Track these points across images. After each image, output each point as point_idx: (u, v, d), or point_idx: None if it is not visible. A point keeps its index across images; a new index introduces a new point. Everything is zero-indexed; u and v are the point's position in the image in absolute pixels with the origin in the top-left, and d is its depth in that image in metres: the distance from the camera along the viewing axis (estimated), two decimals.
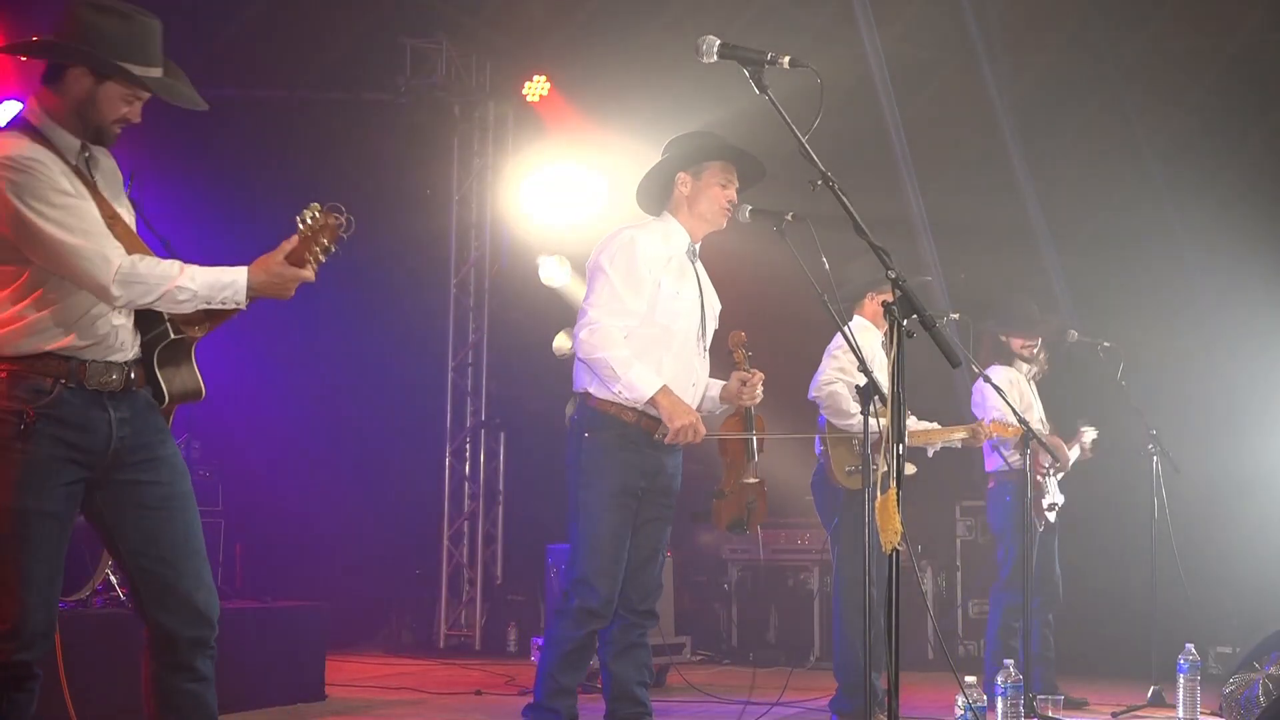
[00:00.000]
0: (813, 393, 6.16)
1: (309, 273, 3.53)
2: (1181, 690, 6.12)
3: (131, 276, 3.42)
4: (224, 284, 3.49)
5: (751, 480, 5.17)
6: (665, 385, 4.71)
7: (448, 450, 10.53)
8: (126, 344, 3.57)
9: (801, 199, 4.02)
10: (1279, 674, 5.98)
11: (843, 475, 6.14)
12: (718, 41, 3.43)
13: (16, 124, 3.56)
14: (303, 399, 9.65)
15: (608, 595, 4.76)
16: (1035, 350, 7.29)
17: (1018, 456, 6.69)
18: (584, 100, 10.02)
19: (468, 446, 10.63)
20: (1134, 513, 7.55)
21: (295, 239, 3.49)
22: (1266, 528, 8.50)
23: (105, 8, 3.55)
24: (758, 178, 5.08)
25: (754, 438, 5.19)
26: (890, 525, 3.20)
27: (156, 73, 3.62)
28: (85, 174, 3.55)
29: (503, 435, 10.64)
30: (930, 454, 6.58)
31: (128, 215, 3.67)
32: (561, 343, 8.34)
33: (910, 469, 5.96)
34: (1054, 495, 7.10)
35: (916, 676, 7.41)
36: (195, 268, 3.49)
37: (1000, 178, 9.70)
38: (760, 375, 4.96)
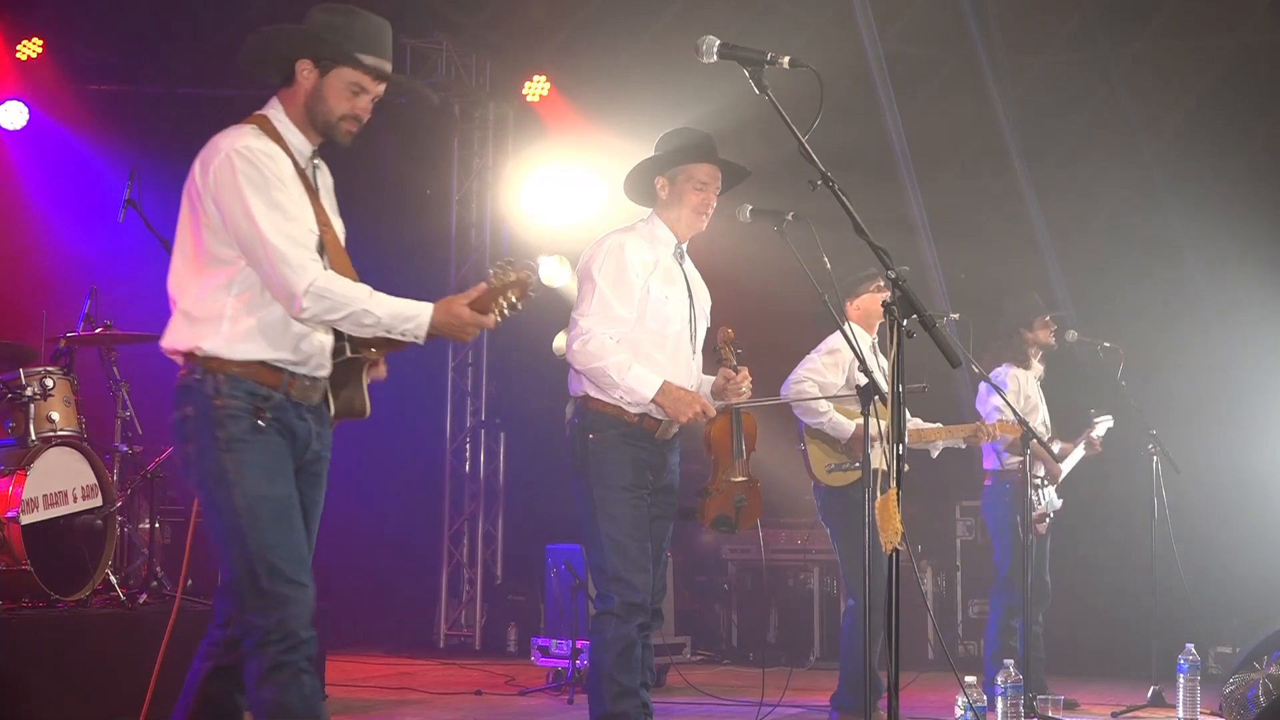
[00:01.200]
0: (784, 391, 6.17)
1: (490, 320, 3.54)
2: (1181, 690, 6.12)
3: (325, 292, 3.43)
4: (408, 316, 3.52)
5: (739, 479, 5.13)
6: (665, 382, 4.71)
7: (448, 450, 10.53)
8: (326, 362, 3.64)
9: (801, 199, 4.02)
10: (1279, 674, 5.98)
11: (822, 473, 6.15)
12: (717, 42, 3.42)
13: (255, 120, 3.60)
14: None
15: (645, 586, 4.71)
16: (1054, 330, 7.30)
17: (1015, 459, 6.76)
18: (584, 100, 10.02)
19: (468, 446, 10.63)
20: (1134, 513, 7.55)
21: (483, 287, 3.52)
22: (1266, 528, 8.49)
23: (333, 7, 3.62)
24: (743, 175, 5.06)
25: (742, 439, 5.16)
26: (890, 525, 3.19)
27: (385, 66, 3.63)
28: (310, 179, 3.61)
29: (503, 435, 10.64)
30: (934, 455, 6.60)
31: (340, 230, 3.71)
32: (561, 342, 8.29)
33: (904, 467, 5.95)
34: (1050, 503, 7.09)
35: (916, 676, 7.41)
36: (382, 295, 3.52)
37: (1000, 178, 9.70)
38: (745, 372, 4.94)
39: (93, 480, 6.20)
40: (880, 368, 5.82)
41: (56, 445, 6.09)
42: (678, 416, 4.71)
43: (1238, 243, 8.67)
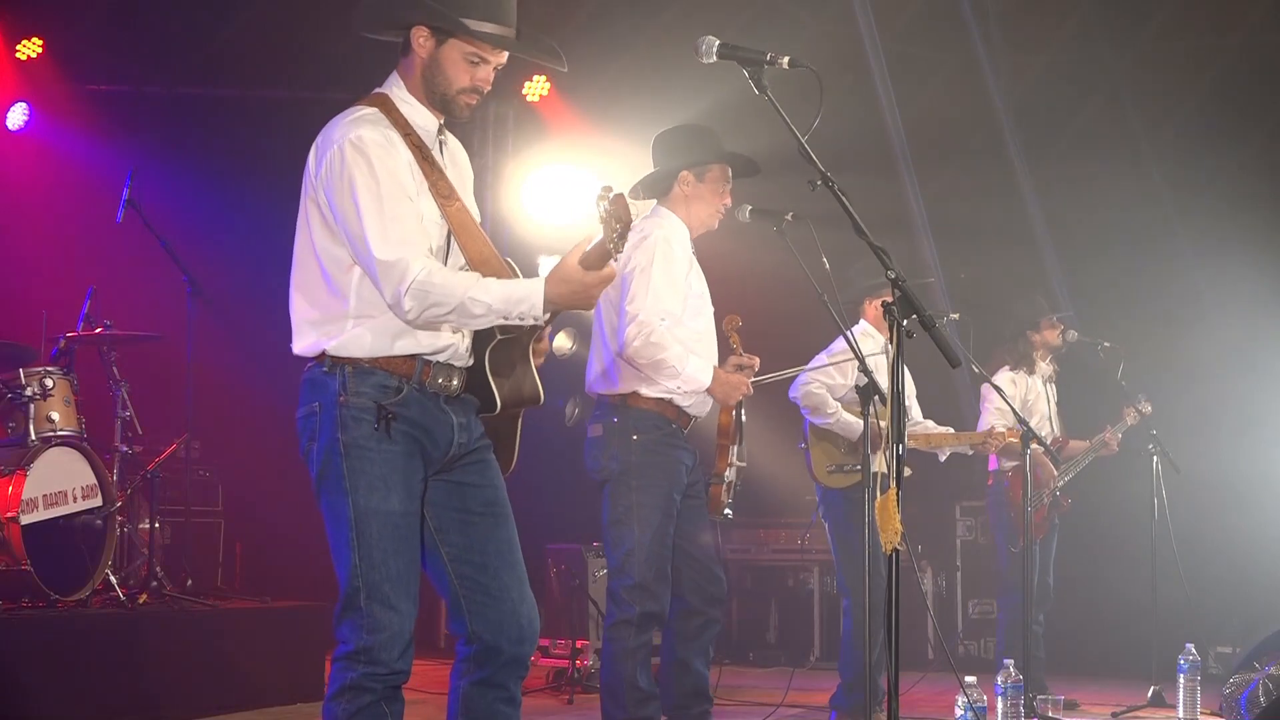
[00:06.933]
0: (793, 393, 6.20)
1: (611, 272, 3.15)
2: (1181, 690, 6.13)
3: (426, 286, 3.13)
4: (519, 298, 3.16)
5: (741, 463, 5.18)
6: (715, 368, 4.83)
7: None
8: (464, 353, 3.36)
9: (801, 199, 4.02)
10: (1279, 674, 5.98)
11: (823, 474, 6.15)
12: (717, 42, 3.42)
13: (373, 100, 3.35)
14: None
15: (666, 597, 4.76)
16: (1061, 330, 7.32)
17: (1010, 463, 6.83)
18: (584, 100, 10.01)
19: None
20: (1134, 513, 7.55)
21: (588, 240, 3.12)
22: (1266, 528, 8.49)
23: None
24: (750, 174, 5.08)
25: (742, 422, 5.18)
26: (890, 525, 3.19)
27: (507, 33, 3.35)
28: (438, 158, 3.35)
29: None
30: (942, 459, 6.64)
31: (470, 204, 3.43)
32: (562, 343, 8.32)
33: (905, 471, 5.96)
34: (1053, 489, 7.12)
35: (920, 679, 7.41)
36: (491, 280, 3.20)
37: (1000, 177, 9.69)
38: (756, 360, 4.98)
39: (93, 480, 6.20)
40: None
41: (56, 445, 6.10)
42: (727, 400, 4.81)
43: (1238, 242, 8.67)
